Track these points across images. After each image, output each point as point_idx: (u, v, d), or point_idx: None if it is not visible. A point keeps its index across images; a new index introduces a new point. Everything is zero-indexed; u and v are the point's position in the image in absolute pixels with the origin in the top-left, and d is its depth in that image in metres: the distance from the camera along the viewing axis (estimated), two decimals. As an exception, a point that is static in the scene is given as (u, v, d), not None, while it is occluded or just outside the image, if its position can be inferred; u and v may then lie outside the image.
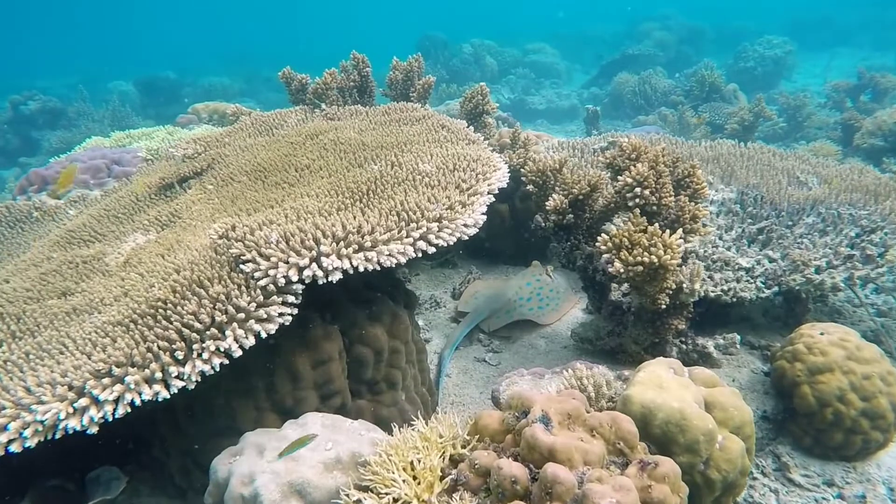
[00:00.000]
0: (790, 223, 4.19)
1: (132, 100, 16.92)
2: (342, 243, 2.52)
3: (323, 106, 4.94)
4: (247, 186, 3.72)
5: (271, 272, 2.44)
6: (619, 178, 3.14)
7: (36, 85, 16.95)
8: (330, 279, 2.49)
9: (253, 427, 2.58)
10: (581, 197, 3.50)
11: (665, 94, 12.00)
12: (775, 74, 14.15)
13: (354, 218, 2.73)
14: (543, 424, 1.95)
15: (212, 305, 2.39)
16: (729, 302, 3.49)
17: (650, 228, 2.87)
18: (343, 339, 2.84)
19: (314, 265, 2.46)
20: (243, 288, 2.47)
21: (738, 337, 3.45)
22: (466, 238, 2.88)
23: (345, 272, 2.53)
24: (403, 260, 2.62)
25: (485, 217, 3.04)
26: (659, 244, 2.77)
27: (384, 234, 2.61)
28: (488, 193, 3.21)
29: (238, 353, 2.33)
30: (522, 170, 3.97)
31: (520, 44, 20.38)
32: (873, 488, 3.03)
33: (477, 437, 2.12)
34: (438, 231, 2.76)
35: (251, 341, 2.36)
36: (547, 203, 3.60)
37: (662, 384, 2.42)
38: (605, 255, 2.97)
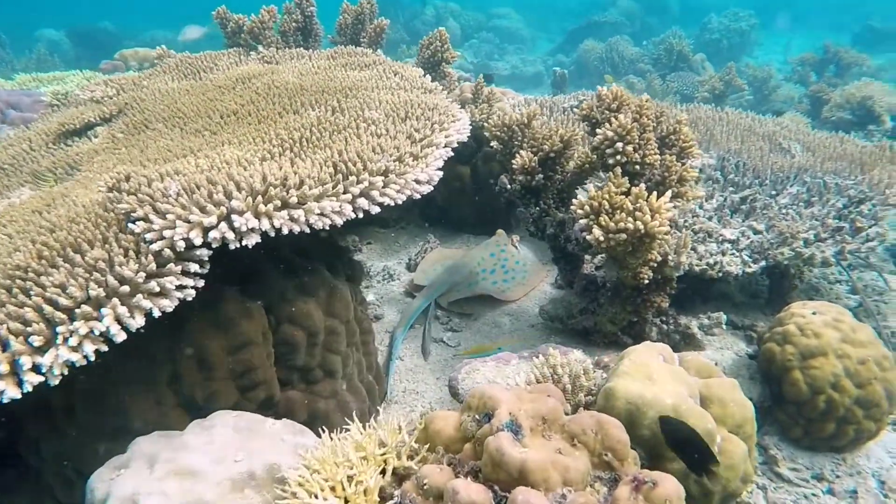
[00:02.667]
0: (774, 192, 3.85)
1: (64, 51, 15.58)
2: (260, 198, 2.00)
3: (259, 48, 4.32)
4: (161, 134, 3.12)
5: (167, 233, 1.91)
6: (597, 131, 2.69)
7: (-53, 28, 15.33)
8: (245, 243, 1.97)
9: (153, 427, 2.06)
10: (552, 154, 3.05)
11: (632, 61, 11.62)
12: (740, 48, 13.95)
13: (280, 168, 2.21)
14: (512, 433, 1.51)
15: (87, 275, 1.85)
16: (715, 277, 3.12)
17: (634, 190, 2.44)
18: (268, 317, 2.34)
19: (223, 225, 1.94)
20: (132, 253, 1.93)
21: (725, 317, 3.09)
22: (419, 196, 2.39)
23: (265, 235, 2.01)
24: (339, 221, 2.12)
25: (441, 173, 2.56)
26: (645, 208, 2.34)
27: (315, 188, 2.10)
28: (446, 146, 2.72)
29: (121, 336, 1.80)
30: (486, 124, 3.48)
31: (484, 8, 19.67)
32: (864, 482, 2.74)
33: (427, 445, 1.67)
34: (384, 187, 2.26)
35: (139, 321, 1.83)
36: (513, 161, 3.14)
37: (652, 375, 2.01)
38: (582, 221, 2.53)
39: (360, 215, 2.21)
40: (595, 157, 2.99)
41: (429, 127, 2.77)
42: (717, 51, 13.35)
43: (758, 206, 3.65)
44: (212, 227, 1.93)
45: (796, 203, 3.69)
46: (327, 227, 2.11)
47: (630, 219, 2.35)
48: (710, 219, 3.60)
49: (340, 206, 2.13)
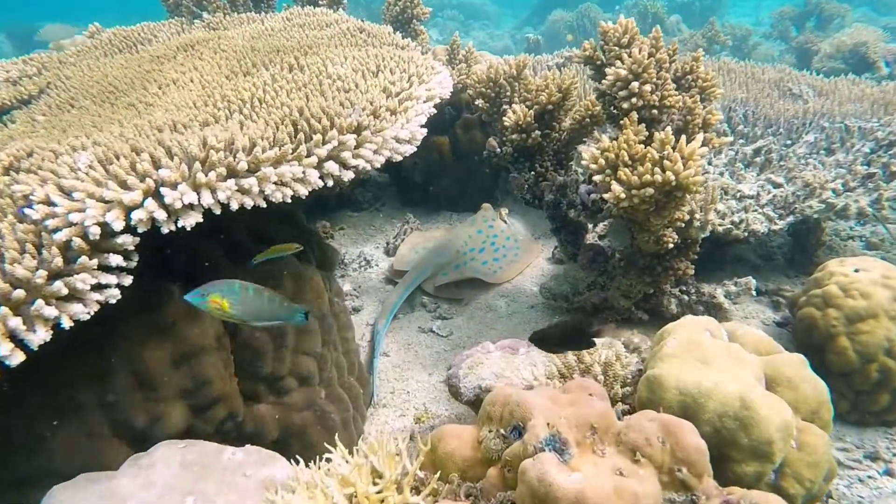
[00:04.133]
0: (789, 142, 3.50)
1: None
2: (199, 166, 1.55)
3: (205, 15, 3.82)
4: (88, 112, 2.63)
5: (75, 217, 1.45)
6: (606, 71, 2.28)
7: None
8: (183, 224, 1.52)
9: (82, 467, 1.63)
10: (550, 107, 2.63)
11: (604, 29, 11.19)
12: (711, 10, 13.63)
13: (226, 131, 1.75)
14: (556, 452, 1.10)
15: (-34, 279, 1.38)
16: (741, 237, 2.75)
17: (658, 135, 2.04)
18: (223, 318, 1.89)
19: (151, 202, 1.48)
20: (30, 247, 1.47)
21: (755, 281, 2.72)
22: (400, 158, 1.96)
23: (209, 213, 1.57)
24: (303, 190, 1.68)
25: (424, 131, 2.13)
26: (675, 156, 1.94)
27: (270, 151, 1.65)
28: (427, 101, 2.28)
29: (17, 357, 1.34)
30: (468, 81, 3.05)
31: (446, -14, 19.08)
32: (926, 459, 2.41)
33: (438, 472, 1.25)
34: (356, 147, 1.82)
35: (42, 335, 1.37)
36: (504, 119, 2.72)
37: (706, 356, 1.62)
38: (596, 178, 2.12)
39: (330, 183, 1.77)
40: (599, 106, 2.59)
41: (406, 80, 2.34)
42: (690, 14, 13.03)
43: (773, 157, 3.29)
44: (136, 206, 1.48)
45: (815, 151, 3.34)
46: (288, 200, 1.67)
47: (657, 170, 1.95)
48: (721, 174, 3.23)
49: (304, 173, 1.69)
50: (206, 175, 1.53)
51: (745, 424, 1.49)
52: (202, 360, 1.79)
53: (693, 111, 2.29)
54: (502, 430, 1.22)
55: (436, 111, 2.38)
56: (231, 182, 1.54)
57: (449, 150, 4.17)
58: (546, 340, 1.63)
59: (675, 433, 1.18)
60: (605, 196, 2.07)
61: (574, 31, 11.47)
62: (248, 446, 1.60)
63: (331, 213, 4.52)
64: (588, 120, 2.75)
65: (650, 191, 1.98)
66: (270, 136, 1.72)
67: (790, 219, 2.88)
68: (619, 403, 1.64)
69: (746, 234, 2.74)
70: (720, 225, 2.71)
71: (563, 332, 1.62)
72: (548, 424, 1.16)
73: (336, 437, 2.21)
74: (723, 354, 1.63)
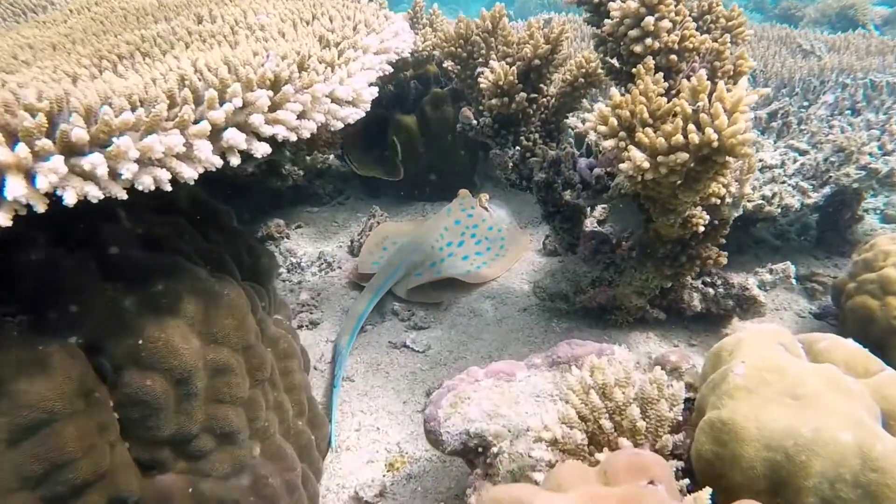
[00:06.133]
0: (806, 103, 3.03)
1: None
2: (1, 138, 0.98)
3: (114, -22, 3.19)
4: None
5: None
6: (611, 5, 1.75)
7: None
8: (-17, 233, 0.95)
9: None
10: (537, 62, 2.10)
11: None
12: (681, -15, 13.33)
13: (84, 94, 1.18)
14: None
15: None
16: (773, 214, 2.27)
17: (687, 83, 1.52)
18: (96, 361, 1.33)
19: (-82, 198, 0.91)
20: None
21: (794, 267, 2.24)
22: (340, 125, 1.41)
23: (30, 211, 1.00)
24: (189, 173, 1.12)
25: (374, 91, 1.58)
26: (717, 108, 1.43)
27: (129, 113, 1.08)
28: (379, 53, 1.73)
29: None
30: (434, 39, 2.51)
31: (408, -30, 18.47)
32: None
33: None
34: (272, 109, 1.26)
35: None
36: (481, 80, 2.18)
37: (796, 388, 1.11)
38: (606, 144, 1.60)
39: (234, 161, 1.21)
40: (596, 61, 2.07)
41: (350, 27, 1.79)
42: (660, -11, 12.65)
43: (792, 121, 2.81)
44: None
45: (838, 112, 2.88)
46: (166, 187, 1.10)
47: (692, 127, 1.43)
48: (735, 143, 2.74)
49: (192, 146, 1.12)
50: (15, 151, 0.96)
51: (872, 494, 0.98)
52: (56, 429, 1.22)
53: (721, 55, 1.78)
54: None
55: (392, 69, 1.84)
56: (58, 161, 0.98)
57: (417, 129, 3.62)
58: None
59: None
60: (621, 167, 1.54)
61: (545, 8, 10.96)
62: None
63: (286, 209, 3.95)
64: (582, 80, 2.23)
65: (683, 156, 1.46)
66: (140, 92, 1.15)
67: (825, 190, 2.41)
68: (673, 461, 1.12)
69: (780, 209, 2.26)
70: (749, 200, 2.22)
71: None
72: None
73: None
74: (818, 383, 1.12)
